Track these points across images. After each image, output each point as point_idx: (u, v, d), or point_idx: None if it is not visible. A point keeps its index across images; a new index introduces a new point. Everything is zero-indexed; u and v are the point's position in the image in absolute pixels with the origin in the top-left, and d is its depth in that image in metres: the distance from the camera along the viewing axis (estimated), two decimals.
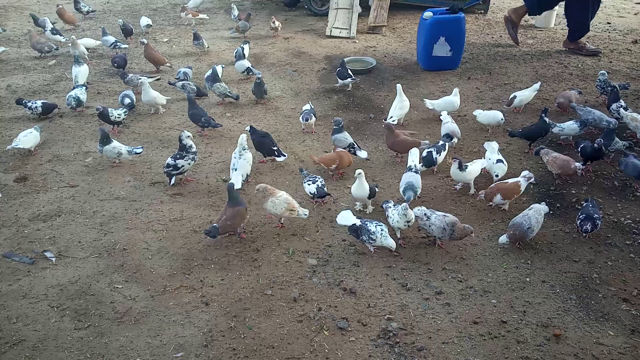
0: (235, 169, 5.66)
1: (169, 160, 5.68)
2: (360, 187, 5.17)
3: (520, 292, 4.37)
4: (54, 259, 4.76)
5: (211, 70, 7.73)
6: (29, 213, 5.39)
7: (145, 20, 10.62)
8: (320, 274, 4.58)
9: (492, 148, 5.74)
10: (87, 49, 9.36)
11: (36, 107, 7.15)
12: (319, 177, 5.52)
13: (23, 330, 4.03)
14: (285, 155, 6.16)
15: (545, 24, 10.96)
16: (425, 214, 4.77)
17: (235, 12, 11.16)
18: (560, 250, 4.84)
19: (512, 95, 7.24)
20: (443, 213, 4.76)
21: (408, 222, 4.74)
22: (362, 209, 5.41)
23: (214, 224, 4.79)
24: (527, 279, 4.50)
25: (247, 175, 5.76)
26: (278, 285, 4.47)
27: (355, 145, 6.19)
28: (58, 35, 10.00)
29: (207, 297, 4.33)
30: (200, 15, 11.28)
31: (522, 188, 5.23)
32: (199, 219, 5.29)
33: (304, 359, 3.81)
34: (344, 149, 6.08)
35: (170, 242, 4.97)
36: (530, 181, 5.29)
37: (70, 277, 4.56)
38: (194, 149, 5.79)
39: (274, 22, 10.37)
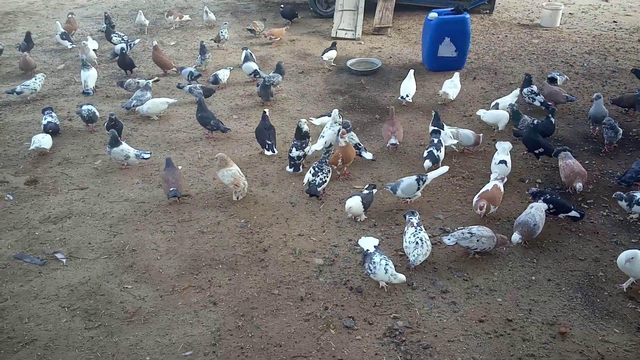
0: (323, 136, 6.30)
1: (298, 153, 6.04)
2: (354, 205, 5.13)
3: (526, 291, 4.39)
4: (64, 260, 4.84)
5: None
6: (40, 215, 5.47)
7: (142, 18, 10.89)
8: (327, 274, 4.63)
9: (502, 148, 5.74)
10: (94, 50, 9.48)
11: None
12: (325, 171, 5.60)
13: (34, 330, 4.10)
14: (274, 152, 6.35)
15: (551, 24, 10.95)
16: (468, 233, 4.60)
17: (211, 16, 11.25)
18: (566, 248, 4.85)
19: (493, 103, 7.21)
20: (472, 226, 4.72)
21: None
22: (354, 218, 5.31)
23: (172, 189, 5.46)
24: (533, 278, 4.52)
25: (330, 144, 6.19)
26: (285, 284, 4.52)
27: (361, 146, 6.24)
28: (67, 41, 10.11)
29: (215, 297, 4.39)
30: (185, 17, 11.41)
31: (502, 188, 5.21)
32: (206, 219, 5.35)
33: (310, 357, 3.86)
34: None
35: (178, 243, 5.03)
36: (504, 182, 5.29)
37: (81, 277, 4.63)
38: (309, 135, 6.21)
39: (255, 26, 10.60)
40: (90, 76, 8.10)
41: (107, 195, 5.79)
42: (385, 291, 4.39)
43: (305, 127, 6.12)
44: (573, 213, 5.01)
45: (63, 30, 10.21)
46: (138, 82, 7.97)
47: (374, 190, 5.35)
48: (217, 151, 6.61)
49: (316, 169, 5.61)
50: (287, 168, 6.10)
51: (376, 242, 4.54)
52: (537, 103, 7.22)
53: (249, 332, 4.07)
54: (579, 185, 5.30)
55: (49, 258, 4.87)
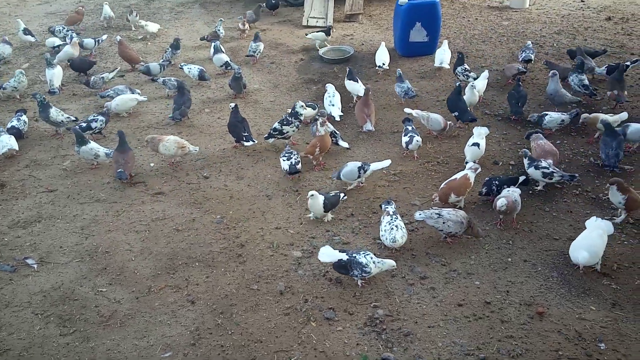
0: (333, 104, 6.80)
1: (276, 125, 6.19)
2: (315, 204, 5.00)
3: (503, 273, 4.43)
4: (35, 266, 4.71)
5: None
6: (8, 220, 5.31)
7: (108, 10, 10.53)
8: (306, 266, 4.60)
9: (478, 133, 5.75)
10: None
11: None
12: (295, 153, 5.72)
13: (8, 340, 3.99)
14: (254, 141, 6.27)
15: (520, 5, 11.00)
16: (435, 213, 4.63)
17: (109, 13, 10.72)
18: (540, 229, 4.90)
19: (468, 86, 7.07)
20: (450, 209, 4.74)
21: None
22: (316, 218, 5.16)
23: (120, 170, 5.56)
24: (509, 259, 4.56)
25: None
26: (264, 279, 4.48)
27: (337, 134, 6.20)
28: (29, 36, 9.90)
29: (192, 296, 4.33)
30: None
31: (472, 180, 5.15)
32: (181, 217, 5.26)
33: (292, 351, 3.83)
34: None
35: (153, 242, 4.94)
36: (477, 172, 5.23)
37: (53, 282, 4.52)
38: (301, 118, 6.31)
39: (243, 24, 10.09)
40: (55, 74, 7.86)
41: (77, 196, 5.65)
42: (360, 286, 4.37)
43: (300, 109, 6.25)
44: (520, 179, 5.16)
45: (24, 27, 9.95)
46: (103, 78, 7.79)
47: (342, 195, 5.15)
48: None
49: (286, 154, 5.73)
50: (265, 137, 6.33)
51: (330, 248, 4.34)
52: (470, 80, 7.31)
53: (229, 329, 4.02)
54: (548, 162, 5.35)
55: (20, 264, 4.74)
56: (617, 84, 6.84)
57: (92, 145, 5.95)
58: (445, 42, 8.30)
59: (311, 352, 3.81)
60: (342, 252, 4.28)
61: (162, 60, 8.47)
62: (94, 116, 6.66)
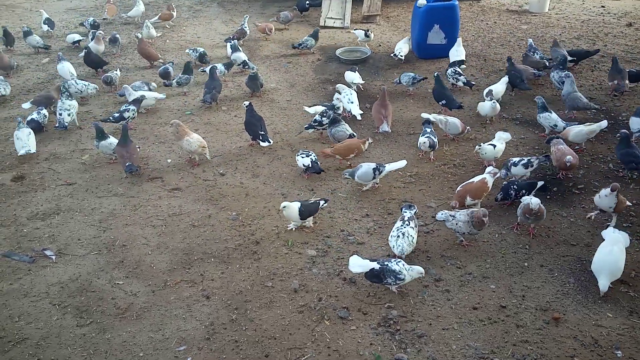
0: (352, 102, 6.84)
1: (317, 117, 6.48)
2: (290, 214, 4.90)
3: (519, 277, 4.40)
4: (54, 257, 4.77)
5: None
6: (28, 212, 5.39)
7: (73, 37, 9.80)
8: (320, 265, 4.60)
9: (499, 137, 5.75)
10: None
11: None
12: (312, 152, 5.77)
13: (25, 329, 4.05)
14: (270, 142, 6.28)
15: (540, 9, 10.93)
16: (450, 215, 4.65)
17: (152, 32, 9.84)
18: (558, 234, 4.86)
19: (487, 90, 7.05)
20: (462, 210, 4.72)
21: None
22: (294, 228, 5.03)
23: (128, 163, 5.65)
24: (526, 264, 4.53)
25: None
26: (278, 277, 4.49)
27: (355, 136, 6.20)
28: (47, 26, 10.23)
29: (207, 291, 4.35)
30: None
31: (490, 184, 5.12)
32: (197, 213, 5.30)
33: (305, 348, 3.84)
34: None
35: (169, 237, 4.98)
36: (496, 176, 5.19)
37: (71, 274, 4.57)
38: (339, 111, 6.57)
39: (270, 30, 9.86)
40: (64, 68, 7.97)
41: (95, 190, 5.71)
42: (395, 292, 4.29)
43: (336, 102, 6.59)
44: (539, 184, 5.14)
45: (47, 16, 10.29)
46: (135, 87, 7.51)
47: (322, 203, 5.03)
48: (207, 143, 6.55)
49: (304, 152, 5.76)
50: (305, 126, 6.55)
51: (359, 258, 4.25)
52: (460, 83, 7.53)
53: (243, 325, 4.04)
54: (568, 158, 5.31)
55: (38, 255, 4.80)
56: (616, 74, 7.04)
57: (112, 140, 6.02)
58: (459, 39, 8.41)
59: (324, 351, 3.82)
60: (372, 260, 4.21)
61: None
62: (125, 107, 6.75)
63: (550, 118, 6.22)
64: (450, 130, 6.27)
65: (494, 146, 5.64)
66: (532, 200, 4.64)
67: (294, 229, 5.01)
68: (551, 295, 4.21)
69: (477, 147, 5.67)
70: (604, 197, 4.73)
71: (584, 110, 6.67)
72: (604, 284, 4.11)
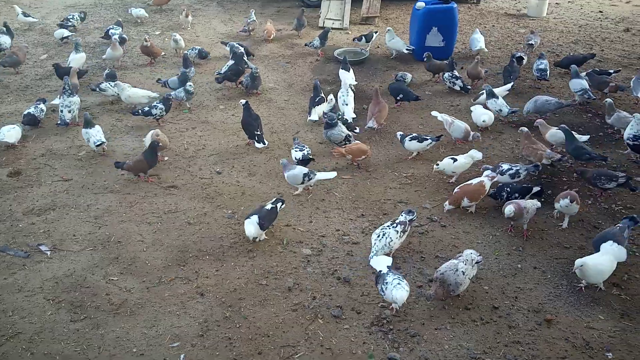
0: (347, 104, 6.87)
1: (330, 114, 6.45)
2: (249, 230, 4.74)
3: (512, 279, 4.43)
4: (48, 253, 4.77)
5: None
6: (23, 207, 5.39)
7: (61, 33, 9.71)
8: (315, 264, 4.62)
9: (469, 154, 5.63)
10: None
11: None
12: (306, 146, 5.92)
13: (19, 323, 4.05)
14: (264, 144, 6.31)
15: (538, 14, 10.97)
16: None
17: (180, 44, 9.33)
18: (552, 237, 4.89)
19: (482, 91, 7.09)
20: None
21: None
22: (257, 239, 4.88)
23: (116, 161, 5.74)
24: (519, 266, 4.56)
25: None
26: (273, 275, 4.51)
27: (351, 138, 6.21)
28: (30, 17, 10.39)
29: (202, 288, 4.37)
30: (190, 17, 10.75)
31: (487, 187, 5.14)
32: (193, 210, 5.31)
33: (299, 347, 3.86)
34: (339, 143, 6.09)
35: (164, 234, 4.99)
36: (494, 180, 5.22)
37: (66, 270, 4.58)
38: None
39: (269, 35, 9.70)
40: (76, 59, 8.07)
41: (91, 186, 5.72)
42: (373, 279, 4.31)
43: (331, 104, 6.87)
44: (534, 189, 5.17)
45: (22, 10, 10.48)
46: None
47: (280, 205, 4.97)
48: (203, 141, 6.59)
49: (297, 147, 5.88)
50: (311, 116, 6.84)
51: (389, 262, 4.23)
52: (457, 87, 7.64)
53: (237, 322, 4.05)
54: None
55: (33, 250, 4.81)
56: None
57: (97, 128, 6.24)
58: (477, 29, 8.99)
59: (317, 349, 3.83)
60: (389, 267, 4.13)
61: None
62: (156, 103, 6.81)
63: (496, 104, 6.69)
64: (454, 132, 6.26)
65: (454, 160, 5.54)
66: (506, 209, 4.71)
67: (260, 239, 4.88)
68: (544, 297, 4.24)
69: (434, 166, 5.59)
70: (565, 207, 4.86)
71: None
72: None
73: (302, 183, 5.41)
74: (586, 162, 5.68)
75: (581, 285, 4.30)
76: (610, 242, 4.34)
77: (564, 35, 9.88)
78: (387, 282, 3.97)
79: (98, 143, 6.10)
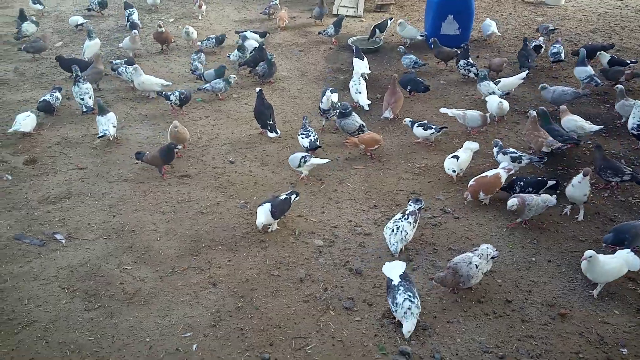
0: (360, 92, 6.80)
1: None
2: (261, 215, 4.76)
3: (526, 272, 4.38)
4: (63, 241, 4.83)
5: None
6: (39, 195, 5.45)
7: (76, 20, 9.86)
8: (327, 255, 4.62)
9: (466, 147, 5.53)
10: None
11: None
12: (313, 131, 5.90)
13: (34, 312, 4.11)
14: (277, 133, 6.28)
15: (556, 1, 10.74)
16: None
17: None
18: (567, 230, 4.83)
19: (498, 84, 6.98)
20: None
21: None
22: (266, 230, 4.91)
23: (137, 151, 5.70)
24: (533, 259, 4.51)
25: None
26: (285, 266, 4.51)
27: (364, 128, 6.16)
28: (38, 5, 10.39)
29: (214, 278, 4.39)
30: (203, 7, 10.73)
31: (503, 180, 5.07)
32: (206, 200, 5.32)
33: (310, 338, 3.87)
34: (353, 133, 6.05)
35: (178, 224, 5.01)
36: (510, 172, 5.16)
37: (80, 258, 4.63)
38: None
39: (283, 22, 9.67)
40: (90, 46, 8.11)
41: (106, 175, 5.76)
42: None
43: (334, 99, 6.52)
44: (549, 183, 5.08)
45: None
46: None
47: (294, 197, 4.96)
48: (217, 131, 6.58)
49: (304, 132, 5.89)
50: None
51: (402, 268, 4.03)
52: (472, 75, 7.49)
53: (249, 313, 4.07)
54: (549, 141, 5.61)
55: (48, 239, 4.86)
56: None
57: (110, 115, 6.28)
58: (488, 19, 9.09)
59: (329, 340, 3.84)
60: (401, 277, 3.96)
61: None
62: (177, 91, 6.91)
63: (489, 86, 6.81)
64: (470, 123, 6.18)
65: (457, 157, 5.44)
66: (509, 201, 4.69)
67: (272, 229, 4.89)
68: (558, 291, 4.20)
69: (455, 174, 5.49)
70: (577, 185, 4.77)
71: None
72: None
73: (299, 166, 5.46)
74: (562, 143, 5.63)
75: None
76: (628, 250, 4.22)
77: (582, 23, 9.67)
78: (397, 303, 3.79)
79: (100, 135, 6.12)
